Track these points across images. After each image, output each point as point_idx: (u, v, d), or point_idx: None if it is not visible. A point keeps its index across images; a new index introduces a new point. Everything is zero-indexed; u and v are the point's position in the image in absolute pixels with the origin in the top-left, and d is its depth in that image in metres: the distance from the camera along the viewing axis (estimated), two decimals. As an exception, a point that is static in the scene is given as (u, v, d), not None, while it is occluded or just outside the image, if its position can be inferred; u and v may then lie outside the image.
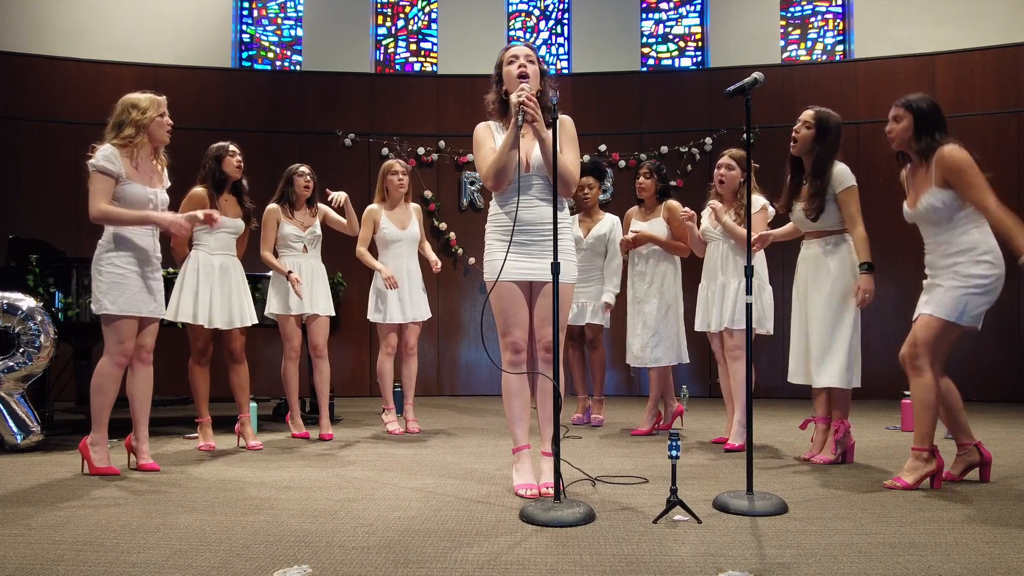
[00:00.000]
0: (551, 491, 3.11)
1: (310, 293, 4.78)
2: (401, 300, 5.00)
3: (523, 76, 3.03)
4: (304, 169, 4.84)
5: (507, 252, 2.99)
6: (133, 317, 3.49)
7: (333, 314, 4.94)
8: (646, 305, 4.86)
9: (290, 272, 4.64)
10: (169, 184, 3.73)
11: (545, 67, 3.15)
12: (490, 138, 3.14)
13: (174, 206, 4.26)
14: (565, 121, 3.13)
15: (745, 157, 4.25)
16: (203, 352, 4.31)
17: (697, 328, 4.53)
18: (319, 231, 4.90)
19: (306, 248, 4.82)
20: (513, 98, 2.94)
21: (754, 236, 4.01)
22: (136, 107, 3.52)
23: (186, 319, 4.18)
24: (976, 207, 3.12)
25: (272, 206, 4.80)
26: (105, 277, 3.45)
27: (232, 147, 4.36)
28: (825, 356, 3.68)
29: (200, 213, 3.72)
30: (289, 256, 4.78)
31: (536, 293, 3.14)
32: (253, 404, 4.56)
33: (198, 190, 4.29)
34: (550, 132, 2.91)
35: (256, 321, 4.48)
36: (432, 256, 5.16)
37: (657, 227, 4.88)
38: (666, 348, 4.83)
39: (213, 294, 4.22)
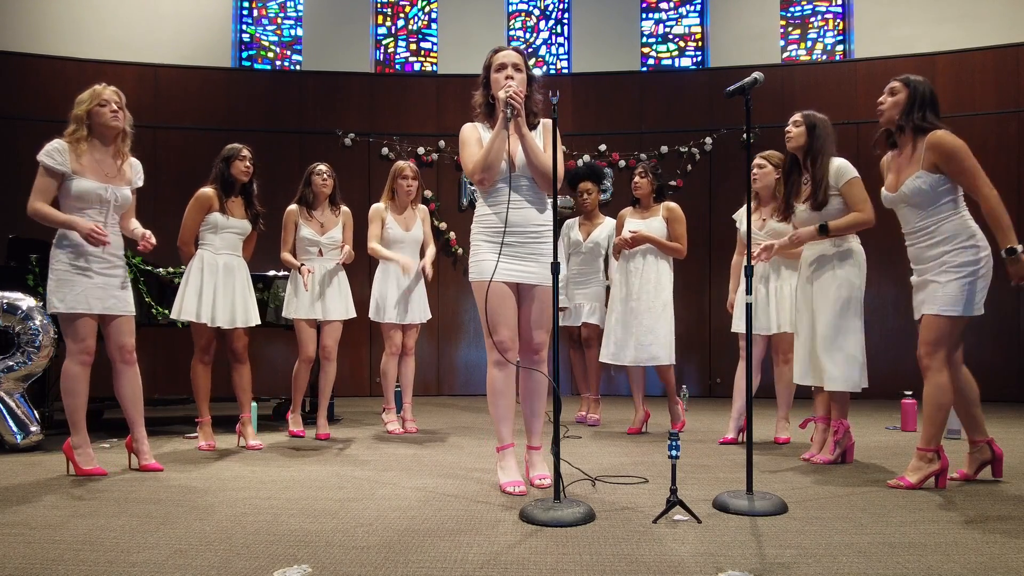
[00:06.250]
0: (544, 482, 3.15)
1: (324, 298, 4.78)
2: (400, 302, 5.01)
3: (509, 79, 3.07)
4: (322, 167, 4.86)
5: (499, 253, 3.02)
6: (84, 315, 3.43)
7: (353, 315, 4.94)
8: (641, 303, 4.79)
9: (303, 264, 4.69)
10: (140, 183, 3.63)
11: (531, 72, 3.18)
12: (476, 136, 3.17)
13: (181, 201, 4.24)
14: (549, 124, 3.15)
15: (778, 156, 4.28)
16: (205, 351, 4.31)
17: (734, 330, 4.53)
18: (339, 237, 4.88)
19: (321, 252, 4.82)
20: (501, 94, 2.99)
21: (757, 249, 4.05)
22: (78, 102, 3.49)
23: (189, 317, 4.18)
24: (972, 194, 3.11)
25: (291, 207, 4.82)
26: (53, 275, 3.41)
27: (244, 151, 4.34)
28: (834, 358, 3.67)
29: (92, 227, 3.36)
30: (304, 260, 4.80)
31: (523, 296, 3.16)
32: (253, 404, 4.55)
33: (206, 190, 4.28)
34: (532, 133, 3.05)
35: (259, 322, 4.48)
36: (428, 265, 5.00)
37: (655, 226, 4.85)
38: (662, 346, 4.78)
39: (217, 293, 4.22)
